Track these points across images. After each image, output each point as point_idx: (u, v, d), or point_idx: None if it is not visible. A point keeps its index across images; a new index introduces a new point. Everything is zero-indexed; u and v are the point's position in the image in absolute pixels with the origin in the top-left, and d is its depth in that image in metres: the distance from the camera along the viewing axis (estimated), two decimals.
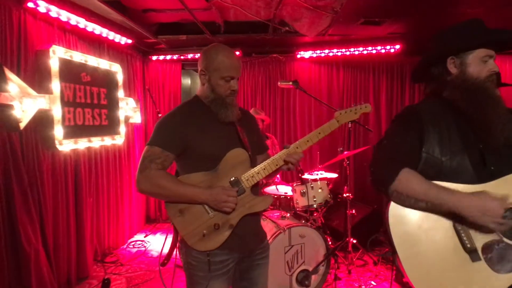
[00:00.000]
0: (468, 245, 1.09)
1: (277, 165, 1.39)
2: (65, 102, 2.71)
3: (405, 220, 1.14)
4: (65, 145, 2.69)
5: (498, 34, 1.18)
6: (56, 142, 2.59)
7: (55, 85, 2.58)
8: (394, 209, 1.16)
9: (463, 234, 1.10)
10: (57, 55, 2.57)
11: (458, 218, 1.10)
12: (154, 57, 4.51)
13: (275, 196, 3.00)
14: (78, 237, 3.01)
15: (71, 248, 2.88)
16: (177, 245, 1.46)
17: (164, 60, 4.56)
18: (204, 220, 1.33)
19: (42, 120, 2.52)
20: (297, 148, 1.39)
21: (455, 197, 1.07)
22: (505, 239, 1.10)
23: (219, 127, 1.40)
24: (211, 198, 1.30)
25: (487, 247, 1.09)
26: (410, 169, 1.14)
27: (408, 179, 1.12)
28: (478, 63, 1.17)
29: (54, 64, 2.55)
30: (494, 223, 1.04)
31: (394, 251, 1.15)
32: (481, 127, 1.14)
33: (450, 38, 1.23)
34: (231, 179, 1.36)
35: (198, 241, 1.32)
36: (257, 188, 1.48)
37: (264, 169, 1.38)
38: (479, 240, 1.10)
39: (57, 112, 2.59)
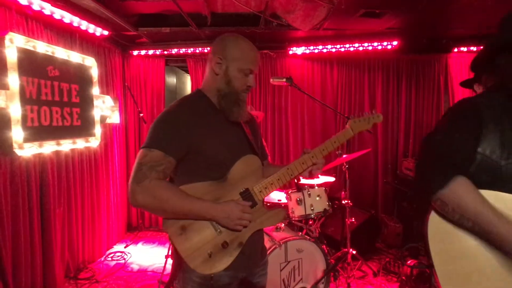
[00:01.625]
0: None
1: (292, 175, 1.26)
2: (26, 100, 2.35)
3: (449, 232, 0.98)
4: (27, 150, 2.32)
5: None
6: (15, 146, 2.23)
7: (13, 79, 2.22)
8: (435, 220, 0.99)
9: None
10: (15, 44, 2.21)
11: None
12: (135, 52, 4.17)
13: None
14: (44, 253, 2.65)
15: (36, 267, 2.52)
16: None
17: (146, 55, 4.23)
18: (210, 238, 1.15)
19: None
20: (312, 157, 1.28)
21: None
22: None
23: (228, 128, 1.23)
24: (223, 215, 1.13)
25: None
26: (465, 177, 0.94)
27: (460, 191, 0.92)
28: None
29: (11, 55, 2.19)
30: None
31: (431, 265, 1.00)
32: None
33: None
34: (241, 190, 1.21)
35: (202, 263, 1.13)
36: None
37: (279, 179, 1.25)
38: None
39: (15, 111, 2.23)
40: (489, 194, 0.93)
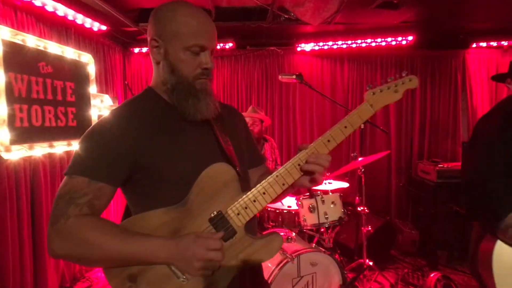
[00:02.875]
0: None
1: (283, 184, 0.89)
2: (14, 98, 2.16)
3: None
4: (14, 152, 2.13)
5: None
6: (0, 148, 2.04)
7: None
8: (504, 257, 0.85)
9: None
10: (0, 37, 2.02)
11: None
12: (136, 49, 4.00)
13: (277, 211, 2.50)
14: (36, 263, 2.46)
15: (26, 278, 2.33)
16: None
17: (148, 52, 4.04)
18: None
19: None
20: (312, 153, 0.90)
21: None
22: None
23: (186, 131, 0.91)
24: (177, 256, 0.80)
25: None
26: None
27: None
28: None
29: None
30: None
31: None
32: None
33: None
34: (212, 215, 0.86)
35: None
36: (253, 223, 0.96)
37: (264, 193, 0.88)
38: None
39: (1, 109, 2.04)
40: None
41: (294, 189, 0.99)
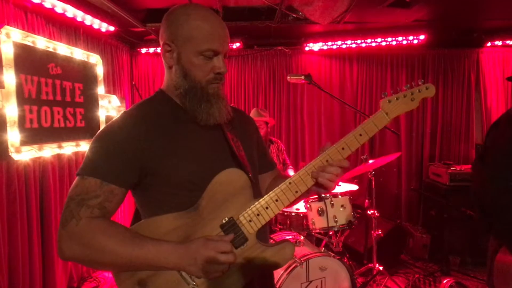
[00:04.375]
0: None
1: (297, 191, 0.88)
2: (24, 99, 2.17)
3: None
4: (24, 153, 2.14)
5: None
6: (11, 149, 2.05)
7: (9, 76, 2.03)
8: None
9: None
10: (12, 38, 2.03)
11: None
12: (144, 50, 4.00)
13: (285, 214, 2.47)
14: (45, 263, 2.48)
15: (35, 278, 2.35)
16: None
17: (155, 53, 4.06)
18: None
19: None
20: (326, 161, 0.89)
21: None
22: None
23: (198, 136, 0.90)
24: (187, 260, 0.78)
25: None
26: None
27: None
28: None
29: (7, 50, 2.01)
30: None
31: None
32: None
33: None
34: (223, 221, 0.85)
35: None
36: (265, 230, 0.95)
37: (277, 200, 0.88)
38: None
39: (11, 111, 2.05)
40: None
41: (309, 195, 0.97)
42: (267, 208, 0.88)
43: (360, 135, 0.90)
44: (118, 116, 0.89)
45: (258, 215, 0.87)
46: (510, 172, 0.88)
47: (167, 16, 0.91)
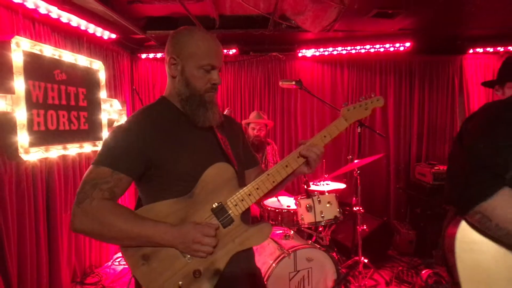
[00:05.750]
0: None
1: (274, 181, 1.07)
2: (33, 104, 2.33)
3: (478, 249, 0.93)
4: (32, 154, 2.30)
5: None
6: (20, 150, 2.21)
7: (19, 83, 2.20)
8: (466, 232, 0.93)
9: None
10: (21, 48, 2.20)
11: None
12: (144, 55, 4.16)
13: (277, 210, 2.63)
14: (51, 258, 2.63)
15: (42, 272, 2.49)
16: None
17: (155, 58, 4.21)
18: (179, 267, 0.98)
19: (1, 125, 2.14)
20: (297, 157, 1.09)
21: None
22: None
23: (194, 135, 1.08)
24: (179, 239, 0.96)
25: None
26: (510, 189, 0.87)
27: (508, 206, 0.85)
28: None
29: (17, 59, 2.17)
30: None
31: (456, 283, 0.96)
32: None
33: None
34: (214, 206, 1.03)
35: None
36: (248, 214, 1.13)
37: (258, 188, 1.07)
38: None
39: (21, 115, 2.21)
40: None
41: (289, 181, 1.18)
42: (249, 195, 1.06)
43: (325, 136, 1.11)
44: (128, 117, 1.07)
45: (242, 200, 1.05)
46: (485, 151, 0.95)
47: (174, 35, 1.09)
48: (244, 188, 1.06)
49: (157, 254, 0.97)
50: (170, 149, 1.02)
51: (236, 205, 1.04)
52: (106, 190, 0.94)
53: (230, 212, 1.04)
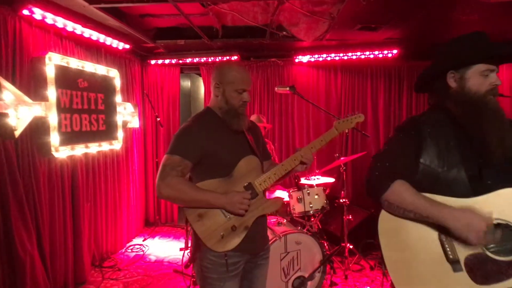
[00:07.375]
0: (451, 256, 1.12)
1: (286, 170, 1.52)
2: (61, 109, 2.72)
3: (394, 228, 1.19)
4: (62, 152, 2.69)
5: (497, 49, 1.15)
6: (52, 149, 2.60)
7: (51, 92, 2.59)
8: (385, 217, 1.22)
9: (447, 245, 1.13)
10: (53, 62, 2.58)
11: (443, 230, 1.13)
12: (153, 61, 4.51)
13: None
14: (75, 242, 3.01)
15: (68, 254, 2.88)
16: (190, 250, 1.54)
17: (163, 64, 4.56)
18: (221, 223, 1.42)
19: (38, 127, 2.53)
20: (302, 155, 1.53)
21: (442, 211, 1.10)
22: (488, 253, 1.11)
23: (231, 136, 1.51)
24: (228, 201, 1.40)
25: (470, 259, 1.11)
26: (404, 180, 1.17)
27: (400, 190, 1.16)
28: (478, 78, 1.16)
29: (50, 71, 2.56)
30: (476, 238, 1.06)
31: (382, 256, 1.20)
32: (479, 143, 1.15)
33: (450, 51, 1.23)
34: (245, 184, 1.47)
35: (216, 243, 1.40)
36: (266, 191, 1.59)
37: (275, 174, 1.52)
38: (462, 252, 1.12)
39: (53, 119, 2.60)
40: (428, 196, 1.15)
41: (291, 173, 1.61)
42: (269, 178, 1.51)
43: (321, 140, 1.57)
44: (188, 122, 1.50)
45: (264, 181, 1.50)
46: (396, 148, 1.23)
47: (218, 66, 1.53)
48: (267, 173, 1.51)
49: (207, 214, 1.42)
50: (217, 144, 1.45)
51: (260, 184, 1.49)
52: (180, 171, 1.39)
53: (256, 188, 1.48)
